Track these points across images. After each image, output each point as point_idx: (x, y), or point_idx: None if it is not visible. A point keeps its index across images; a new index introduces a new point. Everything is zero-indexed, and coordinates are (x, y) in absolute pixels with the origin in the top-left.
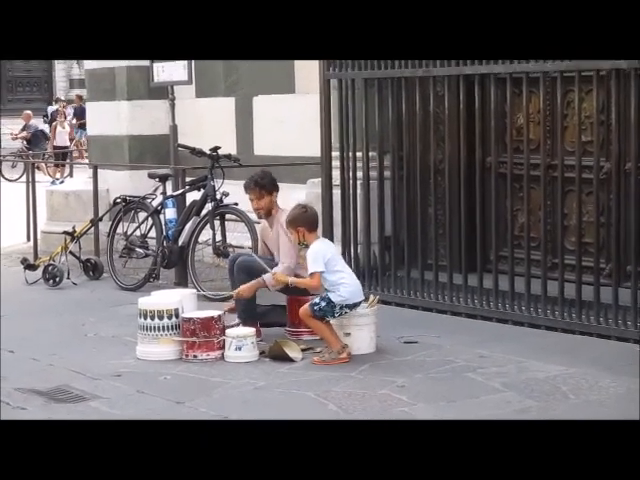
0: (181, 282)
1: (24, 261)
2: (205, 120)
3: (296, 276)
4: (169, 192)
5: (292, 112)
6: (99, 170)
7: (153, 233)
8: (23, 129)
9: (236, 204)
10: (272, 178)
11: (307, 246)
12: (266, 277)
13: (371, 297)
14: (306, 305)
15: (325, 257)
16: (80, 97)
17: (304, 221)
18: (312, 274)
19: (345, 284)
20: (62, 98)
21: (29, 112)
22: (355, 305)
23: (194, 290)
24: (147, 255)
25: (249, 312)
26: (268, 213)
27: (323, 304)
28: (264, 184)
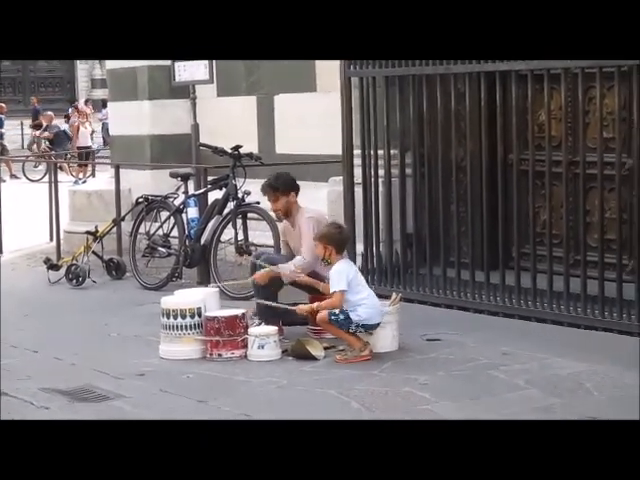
0: (203, 281)
1: (47, 261)
2: (226, 119)
3: (315, 274)
4: (191, 191)
5: (313, 110)
6: (121, 170)
7: (175, 232)
8: (45, 129)
9: (258, 203)
10: (288, 179)
11: (329, 264)
12: (282, 266)
13: (393, 295)
14: (324, 312)
15: (348, 277)
16: (38, 99)
17: (336, 242)
18: (334, 293)
19: (365, 305)
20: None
21: (50, 113)
22: (372, 327)
23: (217, 289)
24: (169, 254)
25: (271, 313)
26: (286, 214)
27: (341, 317)
28: (277, 186)
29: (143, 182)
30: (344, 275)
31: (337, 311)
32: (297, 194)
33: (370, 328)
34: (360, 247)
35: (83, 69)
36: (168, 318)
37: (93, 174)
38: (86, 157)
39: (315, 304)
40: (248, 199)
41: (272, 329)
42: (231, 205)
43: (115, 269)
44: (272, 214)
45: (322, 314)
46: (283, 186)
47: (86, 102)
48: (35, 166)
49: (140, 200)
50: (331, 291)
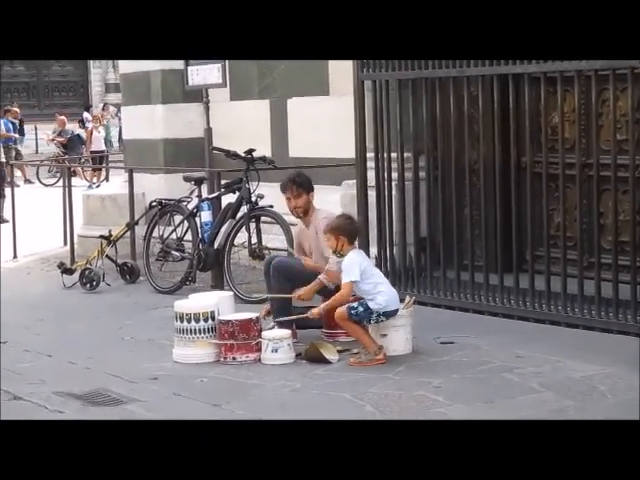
0: (217, 285)
1: (61, 265)
2: (240, 123)
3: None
4: (204, 195)
5: (326, 114)
6: (135, 174)
7: (189, 236)
8: (58, 134)
9: (271, 206)
10: (308, 178)
11: (342, 256)
12: (322, 277)
13: (407, 298)
14: (343, 308)
15: (360, 267)
16: (19, 106)
17: (348, 232)
18: (344, 284)
19: (382, 292)
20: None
21: (63, 117)
22: (392, 313)
23: (231, 292)
24: (183, 258)
25: (285, 314)
26: (305, 212)
27: (361, 309)
28: (301, 182)
29: (157, 186)
30: (356, 266)
31: (355, 304)
32: (313, 195)
33: (390, 315)
34: (374, 250)
35: (97, 73)
36: (182, 322)
37: (107, 178)
38: (99, 161)
39: (323, 305)
40: (261, 202)
41: (286, 332)
42: (244, 209)
43: (129, 273)
44: (290, 212)
45: (341, 310)
46: (307, 183)
47: (104, 106)
48: (49, 171)
49: (154, 204)
50: (343, 282)
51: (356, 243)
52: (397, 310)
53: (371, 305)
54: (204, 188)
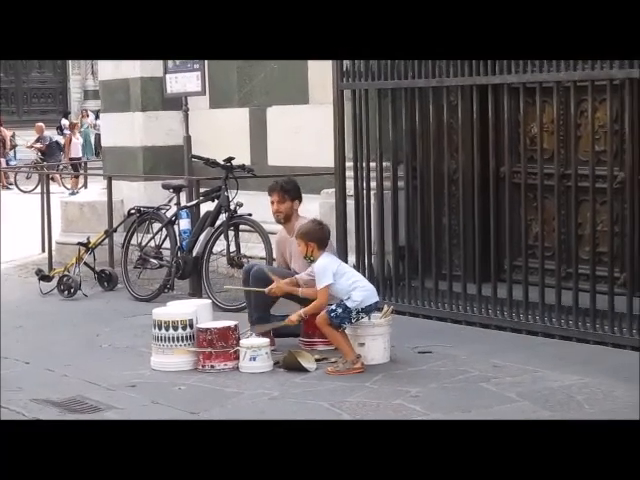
0: (195, 293)
1: (39, 272)
2: (219, 131)
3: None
4: (183, 203)
5: (306, 123)
6: (113, 181)
7: (167, 244)
8: (37, 141)
9: (250, 214)
10: (297, 186)
11: (312, 261)
12: (298, 276)
13: (385, 307)
14: (323, 312)
15: (332, 269)
16: None
17: (318, 238)
18: (320, 290)
19: (358, 288)
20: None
21: (41, 124)
22: (371, 308)
23: (209, 300)
24: (161, 266)
25: (263, 322)
26: (287, 219)
27: (340, 310)
28: (288, 189)
29: (135, 193)
30: (328, 270)
31: (334, 306)
32: (299, 204)
33: (370, 310)
34: (352, 259)
35: (76, 80)
36: (160, 329)
37: (85, 185)
38: (76, 168)
39: (302, 310)
40: (240, 211)
41: (264, 341)
42: (223, 217)
43: (107, 280)
44: (267, 224)
45: (322, 315)
46: (293, 191)
47: (83, 112)
48: (27, 177)
49: (132, 211)
50: (318, 288)
51: (333, 244)
52: (377, 303)
53: (348, 304)
54: (183, 196)
